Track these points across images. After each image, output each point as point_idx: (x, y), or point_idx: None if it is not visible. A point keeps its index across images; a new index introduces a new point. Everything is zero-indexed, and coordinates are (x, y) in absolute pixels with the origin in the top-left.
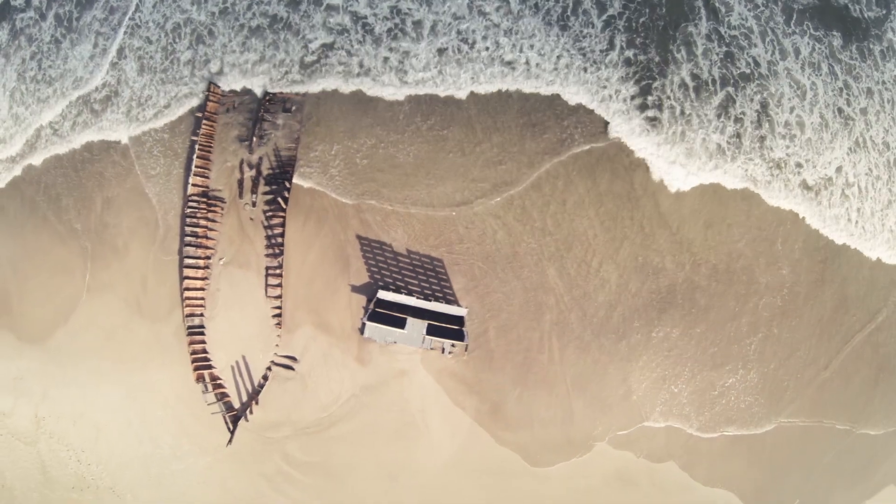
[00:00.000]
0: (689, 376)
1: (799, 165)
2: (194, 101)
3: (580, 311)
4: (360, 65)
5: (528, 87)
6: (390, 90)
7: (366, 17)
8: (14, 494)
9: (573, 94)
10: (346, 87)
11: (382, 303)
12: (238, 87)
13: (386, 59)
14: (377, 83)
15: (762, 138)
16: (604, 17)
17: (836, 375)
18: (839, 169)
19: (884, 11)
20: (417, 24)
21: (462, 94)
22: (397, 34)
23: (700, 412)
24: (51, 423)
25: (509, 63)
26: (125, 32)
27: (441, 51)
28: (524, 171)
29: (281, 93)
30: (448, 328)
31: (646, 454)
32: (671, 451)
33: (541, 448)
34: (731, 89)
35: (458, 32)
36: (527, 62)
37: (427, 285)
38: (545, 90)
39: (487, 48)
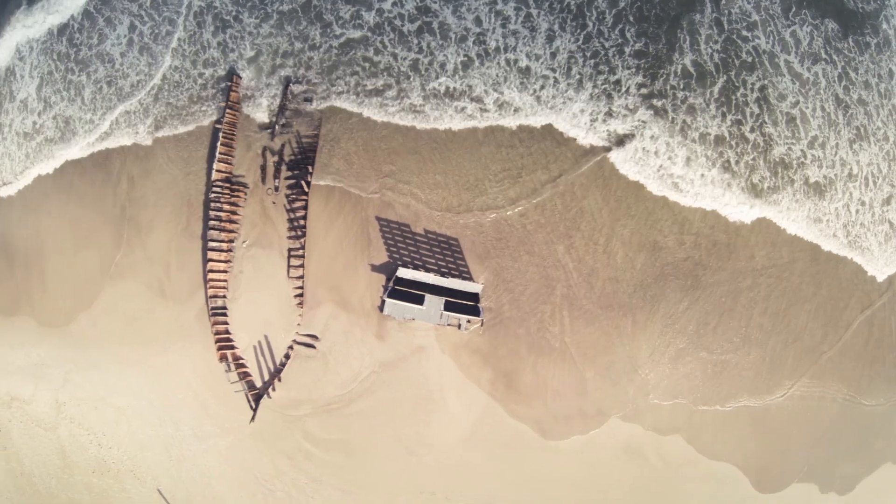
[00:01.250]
0: (692, 351)
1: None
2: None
3: (588, 286)
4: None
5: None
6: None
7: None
8: (33, 481)
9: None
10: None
11: (401, 280)
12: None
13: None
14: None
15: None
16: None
17: (838, 351)
18: (842, 163)
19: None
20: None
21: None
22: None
23: (703, 386)
24: (71, 407)
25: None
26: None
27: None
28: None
29: (302, 82)
30: (464, 304)
31: (653, 427)
32: (676, 425)
33: (552, 421)
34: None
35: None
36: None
37: (444, 263)
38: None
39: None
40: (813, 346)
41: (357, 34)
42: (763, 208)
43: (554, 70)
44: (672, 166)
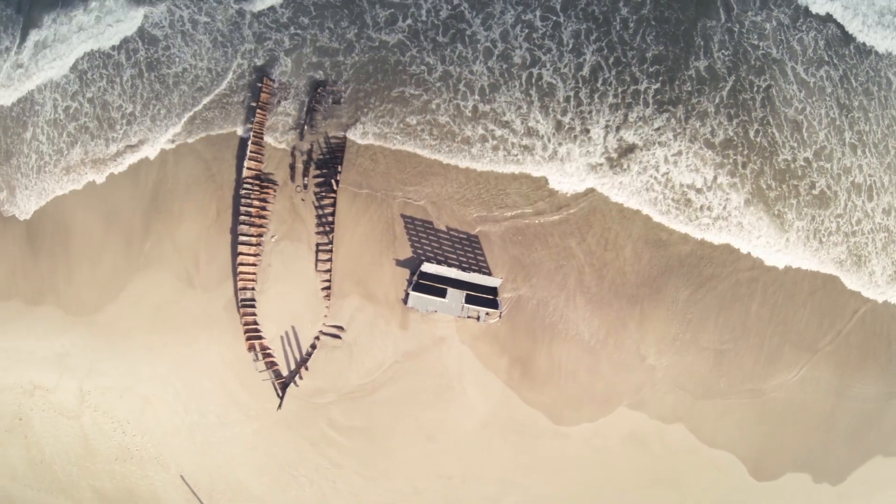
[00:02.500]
0: (694, 341)
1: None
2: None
3: (599, 278)
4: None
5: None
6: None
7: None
8: (53, 469)
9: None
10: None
11: (425, 274)
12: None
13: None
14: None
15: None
16: None
17: (834, 345)
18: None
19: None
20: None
21: None
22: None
23: (705, 376)
24: (96, 396)
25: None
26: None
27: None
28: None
29: (330, 84)
30: (484, 297)
31: (657, 416)
32: (679, 414)
33: (564, 408)
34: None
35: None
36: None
37: (465, 258)
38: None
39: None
40: (810, 339)
41: (393, 38)
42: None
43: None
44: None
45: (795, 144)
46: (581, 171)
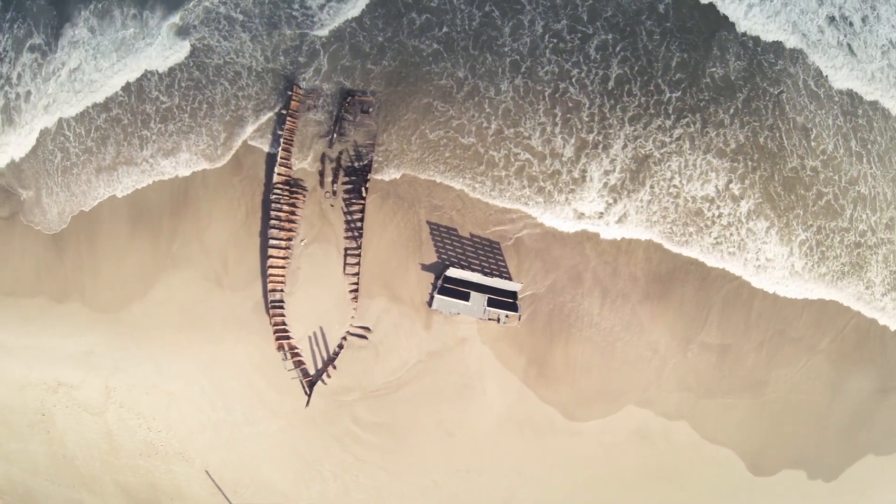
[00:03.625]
0: (698, 341)
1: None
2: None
3: (613, 278)
4: None
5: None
6: None
7: None
8: (76, 464)
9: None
10: None
11: (450, 279)
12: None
13: None
14: None
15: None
16: None
17: (832, 346)
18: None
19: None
20: None
21: None
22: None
23: (708, 376)
24: (121, 393)
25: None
26: None
27: None
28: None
29: (359, 94)
30: (504, 301)
31: (662, 413)
32: (683, 412)
33: (577, 406)
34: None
35: None
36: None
37: (486, 264)
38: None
39: None
40: (809, 339)
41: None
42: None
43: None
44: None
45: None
46: (597, 200)
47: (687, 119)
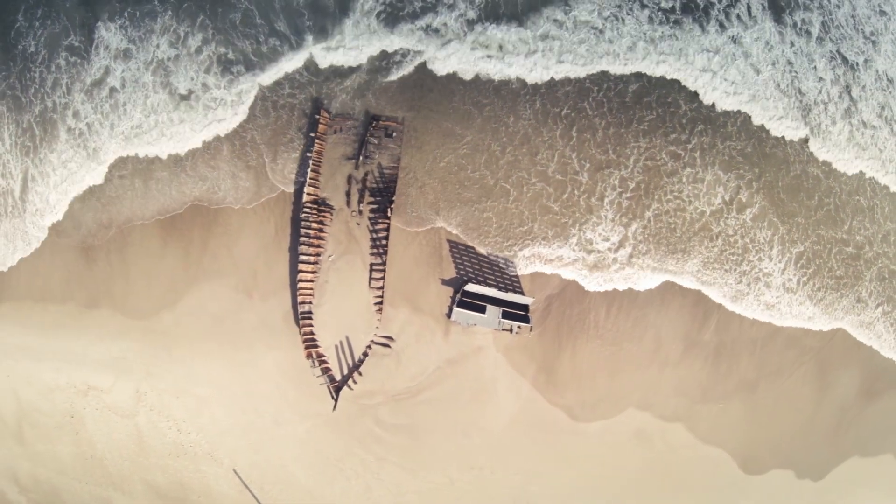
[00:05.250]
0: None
1: None
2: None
3: (614, 293)
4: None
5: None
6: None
7: None
8: (104, 464)
9: None
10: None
11: (468, 293)
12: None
13: None
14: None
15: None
16: None
17: (823, 351)
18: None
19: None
20: None
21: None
22: None
23: (703, 381)
24: (152, 397)
25: None
26: None
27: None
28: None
29: (385, 119)
30: (517, 313)
31: (660, 416)
32: (679, 415)
33: (582, 408)
34: None
35: None
36: None
37: (501, 279)
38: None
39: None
40: (799, 344)
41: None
42: None
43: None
44: None
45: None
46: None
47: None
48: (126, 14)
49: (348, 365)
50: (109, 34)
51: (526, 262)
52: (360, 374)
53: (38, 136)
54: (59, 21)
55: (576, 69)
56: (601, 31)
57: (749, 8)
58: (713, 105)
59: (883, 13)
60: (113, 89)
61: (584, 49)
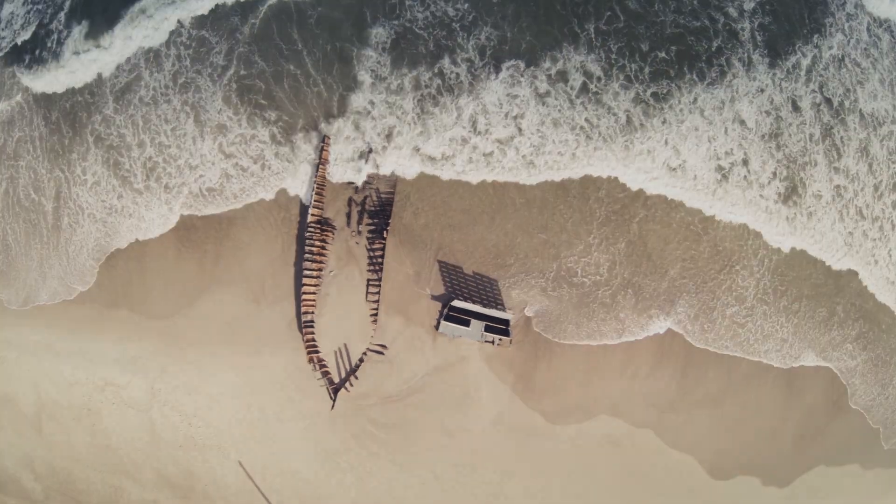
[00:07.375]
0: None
1: None
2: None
3: (587, 300)
4: None
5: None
6: None
7: None
8: (119, 454)
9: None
10: None
11: (455, 308)
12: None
13: None
14: None
15: None
16: None
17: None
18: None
19: None
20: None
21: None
22: None
23: (671, 392)
24: (165, 394)
25: None
26: None
27: None
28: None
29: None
30: (499, 327)
31: (631, 422)
32: (648, 422)
33: (558, 412)
34: None
35: None
36: None
37: (485, 295)
38: None
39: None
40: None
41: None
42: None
43: None
44: None
45: None
46: None
47: None
48: None
49: (346, 369)
50: None
51: (508, 284)
52: (356, 377)
53: None
54: None
55: None
56: None
57: None
58: None
59: None
60: None
61: None
